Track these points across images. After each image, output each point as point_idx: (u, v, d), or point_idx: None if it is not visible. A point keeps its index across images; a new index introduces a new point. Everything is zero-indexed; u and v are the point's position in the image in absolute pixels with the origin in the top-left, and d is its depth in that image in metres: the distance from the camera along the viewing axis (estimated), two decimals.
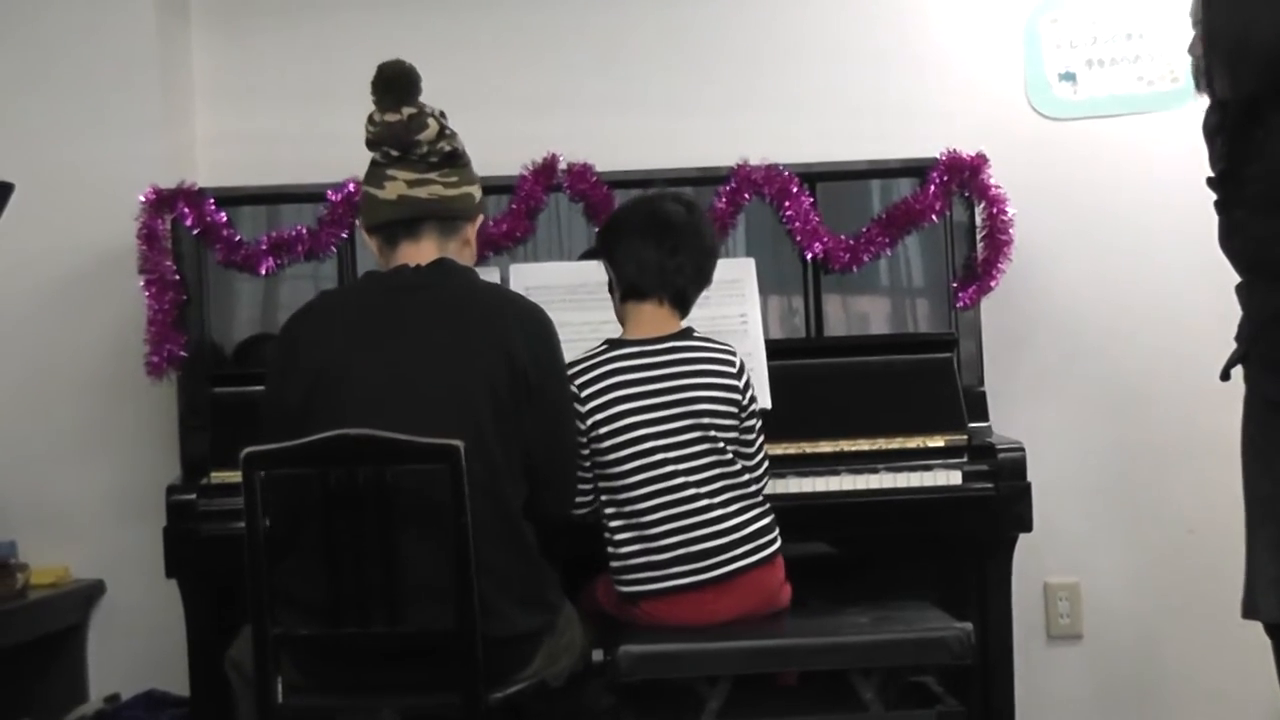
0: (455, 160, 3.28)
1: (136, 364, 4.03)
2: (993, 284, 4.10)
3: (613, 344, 3.45)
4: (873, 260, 4.09)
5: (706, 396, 3.39)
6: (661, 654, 3.29)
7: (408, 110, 3.23)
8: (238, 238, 4.04)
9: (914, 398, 3.98)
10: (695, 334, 3.47)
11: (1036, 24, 4.46)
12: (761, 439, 3.49)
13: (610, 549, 3.40)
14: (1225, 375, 3.40)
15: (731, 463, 3.40)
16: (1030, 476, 3.80)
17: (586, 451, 3.39)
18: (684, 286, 3.46)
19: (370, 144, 3.27)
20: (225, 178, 4.24)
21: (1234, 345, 3.39)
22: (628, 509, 3.38)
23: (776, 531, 3.42)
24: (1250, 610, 3.30)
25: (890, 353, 4.04)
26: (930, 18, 4.49)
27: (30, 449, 4.25)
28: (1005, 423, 4.07)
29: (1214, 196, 3.39)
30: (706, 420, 3.38)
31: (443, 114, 3.28)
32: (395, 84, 3.25)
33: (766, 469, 3.52)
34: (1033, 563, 4.16)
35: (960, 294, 4.09)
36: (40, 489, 4.24)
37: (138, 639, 4.24)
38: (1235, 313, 3.37)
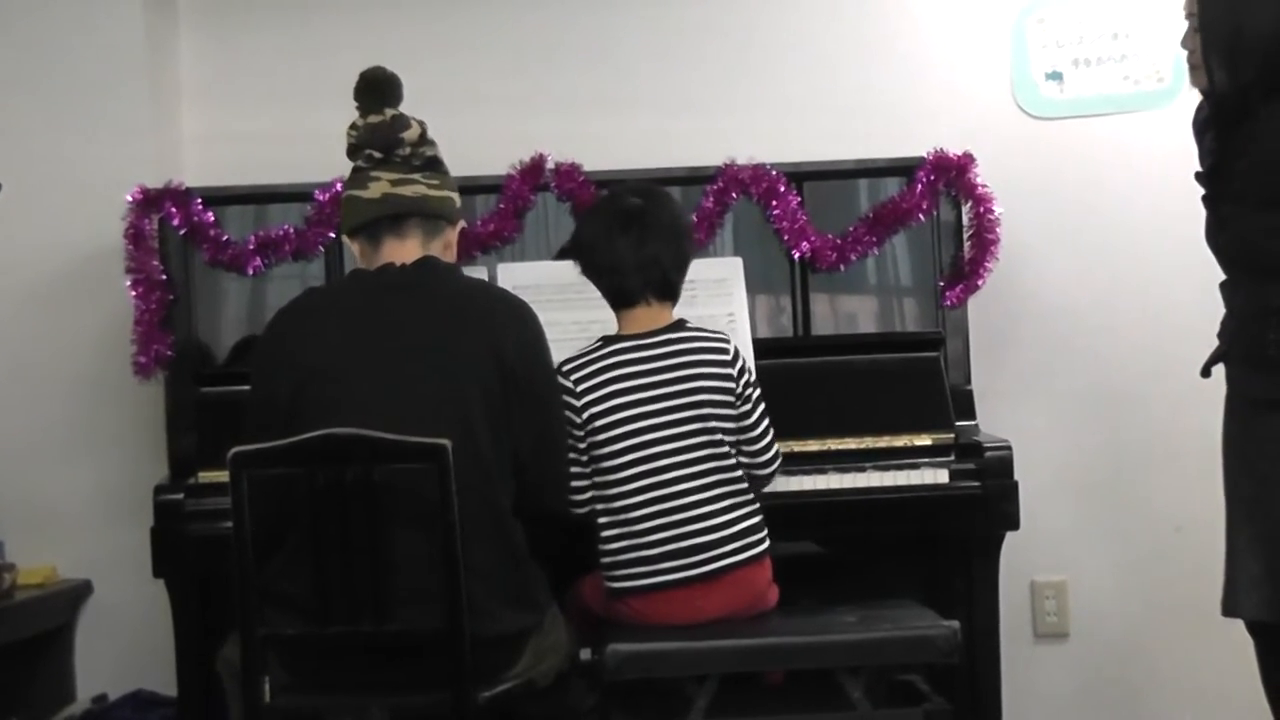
0: (437, 165, 3.31)
1: (123, 364, 4.02)
2: (979, 283, 4.11)
3: (608, 340, 3.45)
4: (860, 259, 4.09)
5: (703, 387, 3.39)
6: (649, 653, 3.29)
7: (390, 112, 3.26)
8: (225, 237, 4.04)
9: (901, 396, 3.98)
10: (688, 325, 3.47)
11: (1023, 24, 4.47)
12: (766, 422, 3.47)
13: (601, 545, 3.40)
14: (1206, 372, 3.41)
15: (726, 456, 3.40)
16: (1017, 475, 3.81)
17: (583, 446, 3.39)
18: (664, 274, 3.44)
19: (352, 150, 3.28)
20: (212, 177, 4.24)
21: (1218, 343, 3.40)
22: (617, 504, 3.38)
23: (765, 532, 3.43)
24: (1231, 608, 3.32)
25: (877, 351, 4.04)
26: (917, 17, 4.49)
27: (17, 449, 4.25)
28: (992, 421, 4.08)
29: (1201, 192, 3.40)
30: (705, 411, 3.38)
31: (423, 122, 3.29)
32: (377, 87, 3.27)
33: (777, 453, 3.50)
34: (1019, 561, 4.16)
35: (947, 293, 4.09)
36: (27, 489, 4.23)
37: (125, 639, 4.23)
38: (1221, 310, 3.38)
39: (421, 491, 2.98)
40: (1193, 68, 3.33)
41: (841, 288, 4.13)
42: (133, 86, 4.27)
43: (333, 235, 4.03)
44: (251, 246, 4.04)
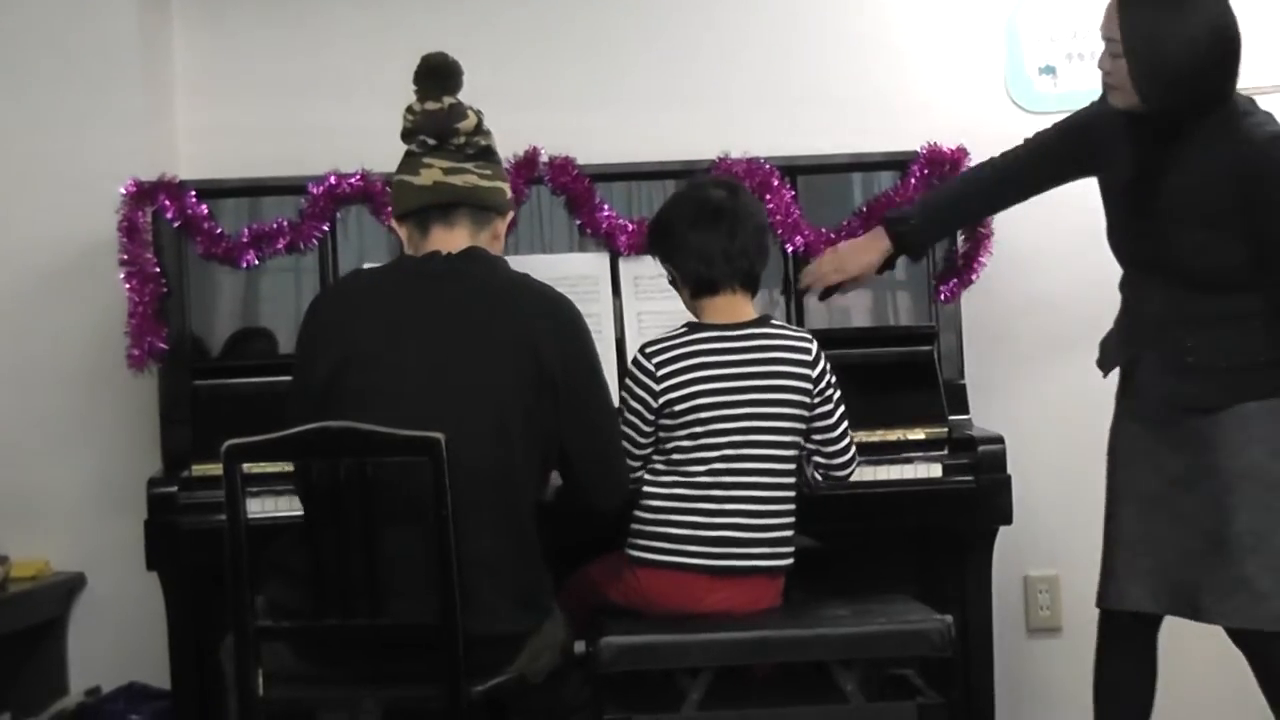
0: (490, 155, 3.30)
1: (117, 356, 4.02)
2: (973, 277, 4.12)
3: (693, 327, 3.47)
4: None
5: (780, 386, 3.41)
6: (642, 645, 3.29)
7: (449, 100, 3.25)
8: (219, 230, 4.03)
9: (894, 391, 3.99)
10: (772, 321, 3.51)
11: (1017, 17, 4.48)
12: (845, 424, 3.51)
13: (636, 511, 3.42)
14: (1106, 373, 3.60)
15: (787, 461, 3.43)
16: (1010, 469, 3.82)
17: (649, 429, 3.41)
18: (750, 267, 3.48)
19: (406, 134, 3.27)
20: (206, 170, 4.23)
21: None
22: (667, 479, 3.40)
23: (792, 549, 3.45)
24: (1116, 599, 3.51)
25: (871, 346, 4.05)
26: (911, 11, 4.50)
27: (10, 441, 4.24)
28: (985, 415, 4.08)
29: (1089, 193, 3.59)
30: (778, 411, 3.41)
31: (480, 111, 3.29)
32: (438, 73, 3.26)
33: (853, 455, 3.55)
34: (1013, 555, 4.17)
35: (941, 287, 4.10)
36: (21, 481, 4.23)
37: (118, 632, 4.23)
38: None
39: (424, 484, 2.97)
40: (1111, 88, 3.43)
41: None
42: (127, 79, 4.27)
43: (327, 228, 4.03)
44: (245, 240, 4.03)
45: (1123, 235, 3.54)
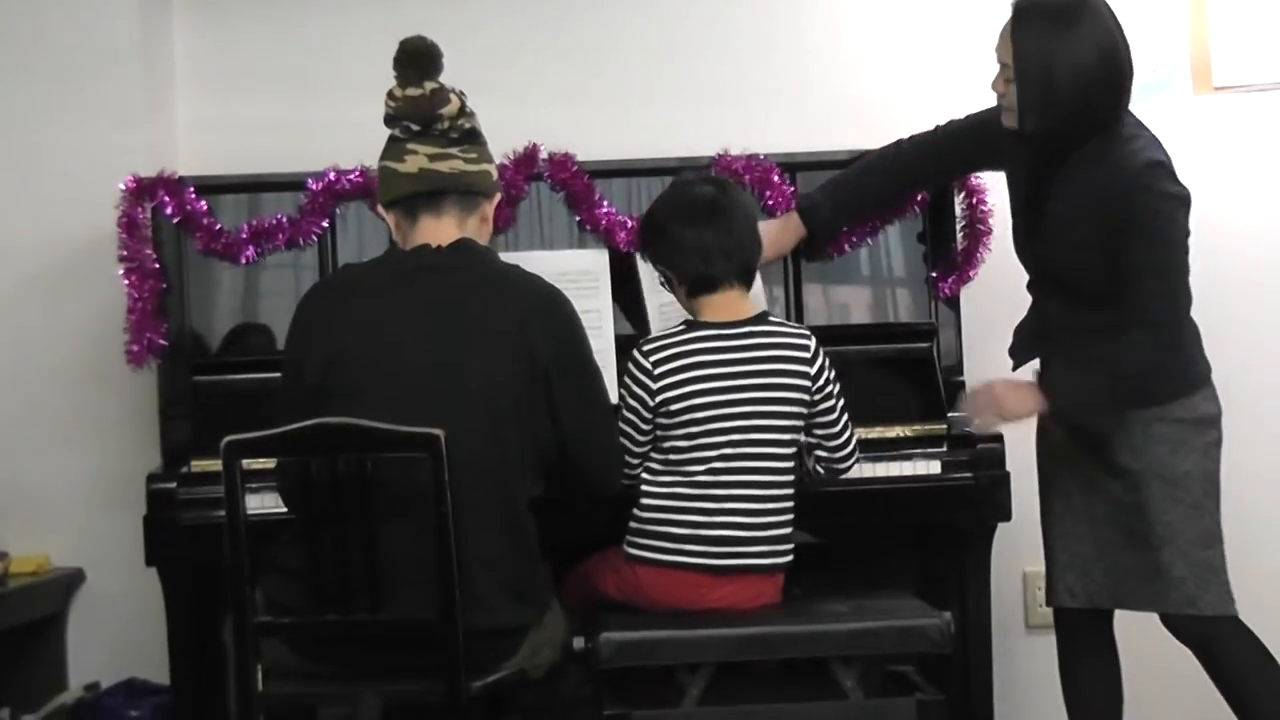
0: (475, 138, 3.29)
1: (117, 352, 4.01)
2: (972, 274, 4.11)
3: (691, 324, 3.47)
4: (853, 250, 4.09)
5: (779, 384, 3.42)
6: (642, 641, 3.30)
7: (430, 85, 3.24)
8: (218, 226, 4.03)
9: (893, 387, 3.99)
10: (770, 318, 3.51)
11: None
12: (845, 417, 3.53)
13: (636, 510, 3.42)
14: (1017, 367, 3.67)
15: (785, 459, 3.44)
16: (1009, 466, 3.82)
17: (647, 427, 3.41)
18: (747, 260, 3.49)
19: (389, 120, 3.26)
20: (206, 166, 4.23)
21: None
22: (666, 479, 3.41)
23: (792, 545, 3.46)
24: (1049, 599, 3.65)
25: (870, 342, 4.05)
26: (910, 8, 4.50)
27: (10, 437, 4.25)
28: None
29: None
30: (777, 409, 3.42)
31: (463, 93, 3.28)
32: (418, 58, 3.25)
33: (854, 449, 3.57)
34: (1011, 552, 4.17)
35: (940, 284, 4.10)
36: (20, 477, 4.23)
37: (117, 627, 4.24)
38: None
39: (422, 480, 2.98)
40: (1006, 110, 3.49)
41: (834, 278, 4.13)
42: (126, 74, 4.27)
43: (326, 224, 4.03)
44: (245, 235, 4.02)
45: (1021, 247, 3.61)
